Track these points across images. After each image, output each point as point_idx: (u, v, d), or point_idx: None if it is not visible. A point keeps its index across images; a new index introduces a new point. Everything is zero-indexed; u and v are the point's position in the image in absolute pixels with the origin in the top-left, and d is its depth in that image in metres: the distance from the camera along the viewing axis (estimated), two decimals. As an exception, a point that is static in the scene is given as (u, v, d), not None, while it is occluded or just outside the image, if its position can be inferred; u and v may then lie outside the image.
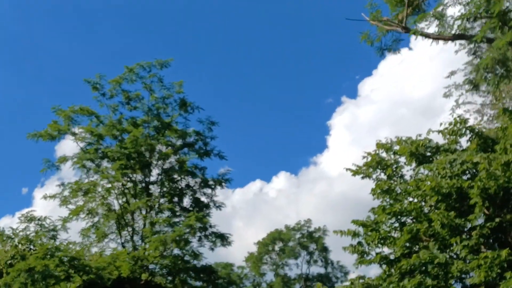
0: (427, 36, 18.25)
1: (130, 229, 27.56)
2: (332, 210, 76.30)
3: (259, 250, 67.16)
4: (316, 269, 66.50)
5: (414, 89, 77.93)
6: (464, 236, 16.29)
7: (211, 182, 29.78)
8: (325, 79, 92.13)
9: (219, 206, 29.78)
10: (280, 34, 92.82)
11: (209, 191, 29.98)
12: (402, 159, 20.12)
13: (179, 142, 30.11)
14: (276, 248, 67.26)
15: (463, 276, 16.57)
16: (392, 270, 20.06)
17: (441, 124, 19.11)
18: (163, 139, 28.93)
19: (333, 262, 66.07)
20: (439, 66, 76.58)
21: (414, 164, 19.71)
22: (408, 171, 20.00)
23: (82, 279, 22.34)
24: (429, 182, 17.13)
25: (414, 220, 17.83)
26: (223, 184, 29.86)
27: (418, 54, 78.35)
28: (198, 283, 26.77)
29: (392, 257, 19.95)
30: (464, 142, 19.13)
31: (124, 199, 28.08)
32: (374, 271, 20.47)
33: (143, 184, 28.78)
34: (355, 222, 19.58)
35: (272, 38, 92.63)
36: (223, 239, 27.86)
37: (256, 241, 66.28)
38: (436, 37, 18.10)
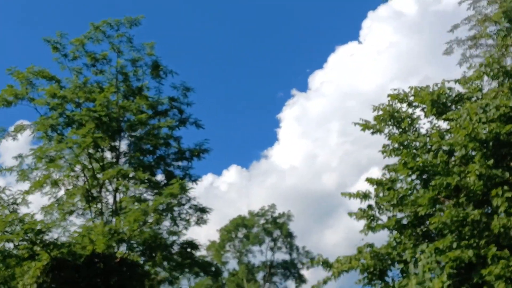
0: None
1: (99, 204, 24.63)
2: (283, 203, 76.39)
3: (222, 238, 64.74)
4: (281, 256, 64.64)
5: (364, 82, 78.99)
6: (506, 188, 14.27)
7: (187, 153, 27.10)
8: (275, 72, 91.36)
9: (195, 180, 27.15)
10: (231, 27, 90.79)
11: (184, 163, 27.33)
12: (417, 112, 18.06)
13: (150, 111, 27.26)
14: (240, 235, 65.01)
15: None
16: (402, 237, 18.10)
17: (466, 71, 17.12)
18: (134, 105, 26.00)
19: (298, 248, 64.33)
20: (387, 60, 77.68)
21: (432, 116, 17.68)
22: (424, 124, 17.95)
23: (50, 256, 19.38)
24: (457, 131, 15.04)
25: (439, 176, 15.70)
26: (201, 155, 27.21)
27: (367, 48, 79.25)
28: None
29: (404, 222, 18.01)
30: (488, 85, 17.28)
31: (90, 173, 25.09)
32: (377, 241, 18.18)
33: (114, 155, 25.84)
34: (369, 180, 17.44)
35: (223, 31, 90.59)
36: (203, 212, 25.27)
37: (219, 228, 63.82)
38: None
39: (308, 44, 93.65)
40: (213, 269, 26.46)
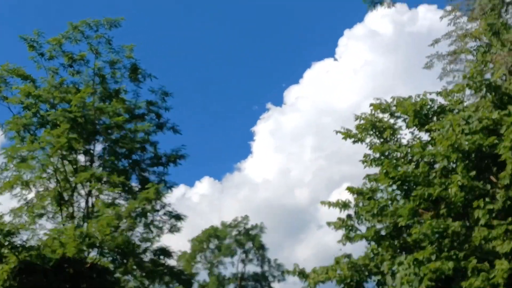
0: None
1: (70, 208, 23.99)
2: (255, 216, 76.16)
3: (193, 248, 63.94)
4: (252, 268, 64.06)
5: (339, 99, 79.81)
6: (487, 200, 14.16)
7: (163, 159, 26.63)
8: (251, 85, 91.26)
9: (171, 187, 26.64)
10: (210, 39, 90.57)
11: (160, 169, 26.84)
12: (399, 122, 17.96)
13: (127, 114, 26.74)
14: (211, 245, 64.33)
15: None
16: (380, 249, 17.92)
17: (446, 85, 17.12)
18: (110, 108, 25.46)
19: (270, 261, 63.85)
20: (362, 78, 78.73)
21: (413, 127, 17.58)
22: (406, 135, 17.85)
23: (18, 259, 18.71)
24: (440, 142, 14.93)
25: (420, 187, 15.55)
26: (178, 161, 26.75)
27: (343, 66, 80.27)
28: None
29: (383, 233, 17.83)
30: (468, 98, 17.27)
31: (63, 176, 24.44)
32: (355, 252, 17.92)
33: (87, 158, 25.25)
34: (349, 189, 17.22)
35: (202, 41, 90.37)
36: (178, 219, 24.78)
37: (191, 238, 63.09)
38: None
39: (284, 59, 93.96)
40: (186, 278, 25.90)
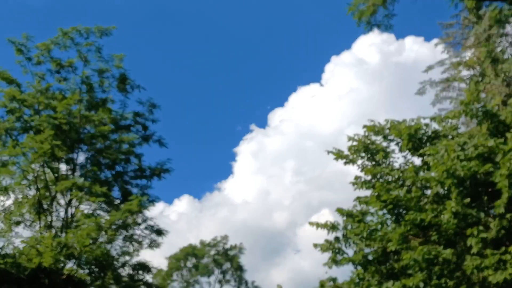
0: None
1: (49, 217, 23.29)
2: (233, 237, 75.46)
3: (170, 266, 62.91)
4: (229, 289, 63.19)
5: (322, 124, 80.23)
6: (481, 228, 13.86)
7: (147, 171, 26.07)
8: (236, 106, 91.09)
9: (153, 200, 26.04)
10: (198, 56, 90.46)
11: (143, 182, 26.27)
12: (392, 145, 17.70)
13: (113, 125, 26.17)
14: (189, 264, 63.37)
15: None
16: (366, 273, 17.52)
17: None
18: (96, 117, 24.92)
19: (247, 282, 63.03)
20: (347, 104, 79.34)
21: (406, 151, 17.32)
22: (399, 159, 17.57)
23: (-8, 266, 18.03)
24: (435, 167, 14.65)
25: (413, 211, 15.22)
26: (162, 174, 26.21)
27: (328, 91, 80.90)
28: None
29: (370, 257, 17.44)
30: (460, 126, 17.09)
31: (43, 184, 23.78)
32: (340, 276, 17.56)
33: (69, 167, 24.62)
34: (339, 210, 16.85)
35: (191, 59, 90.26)
36: (159, 234, 24.19)
37: (168, 255, 62.10)
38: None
39: (271, 82, 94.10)
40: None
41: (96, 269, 22.41)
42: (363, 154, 17.68)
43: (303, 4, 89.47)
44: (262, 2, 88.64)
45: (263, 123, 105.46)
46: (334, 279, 18.11)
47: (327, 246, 17.67)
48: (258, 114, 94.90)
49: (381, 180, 16.67)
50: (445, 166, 14.12)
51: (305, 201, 76.54)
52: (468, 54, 23.38)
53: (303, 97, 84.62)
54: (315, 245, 18.10)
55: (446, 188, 14.59)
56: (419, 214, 14.67)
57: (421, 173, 16.02)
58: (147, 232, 24.52)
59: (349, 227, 17.38)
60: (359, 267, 17.59)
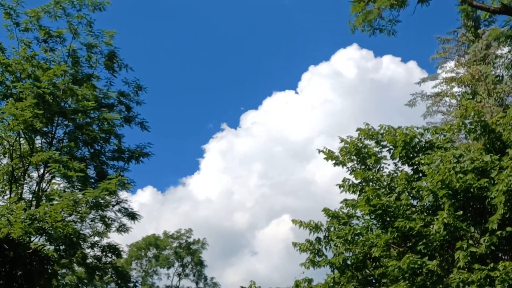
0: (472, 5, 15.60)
1: (20, 188, 22.50)
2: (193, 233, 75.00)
3: (130, 254, 61.96)
4: (187, 283, 62.54)
5: (293, 131, 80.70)
6: (471, 242, 13.72)
7: (126, 153, 25.41)
8: (210, 103, 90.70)
9: (130, 183, 25.32)
10: (181, 48, 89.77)
11: (120, 164, 25.60)
12: (384, 152, 17.51)
13: (96, 102, 25.40)
14: (149, 254, 62.54)
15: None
16: (341, 278, 17.29)
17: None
18: (80, 91, 24.17)
19: (206, 278, 62.48)
20: (319, 115, 79.94)
21: (397, 159, 17.15)
22: (389, 166, 17.38)
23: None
24: (431, 176, 14.47)
25: (402, 219, 15.02)
26: (141, 158, 25.58)
27: (303, 100, 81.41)
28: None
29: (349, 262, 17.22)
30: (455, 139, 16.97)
31: (17, 154, 22.96)
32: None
33: (45, 140, 23.82)
34: (326, 211, 16.59)
35: (173, 50, 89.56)
36: (133, 218, 23.58)
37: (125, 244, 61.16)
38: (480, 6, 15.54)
39: (247, 83, 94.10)
40: (133, 281, 24.64)
41: (63, 247, 21.78)
42: (353, 157, 17.44)
43: (288, 10, 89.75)
44: (250, 4, 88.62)
45: (234, 124, 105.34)
46: (310, 280, 17.81)
47: (307, 246, 17.39)
48: (231, 114, 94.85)
49: (371, 184, 16.42)
50: (441, 176, 13.94)
51: (268, 205, 76.68)
52: (461, 71, 23.46)
53: (277, 103, 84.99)
54: (295, 244, 17.82)
55: (439, 198, 14.38)
56: (408, 222, 14.46)
57: (413, 182, 15.82)
58: (119, 215, 23.93)
59: (332, 228, 17.14)
60: (336, 271, 17.35)
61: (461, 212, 13.92)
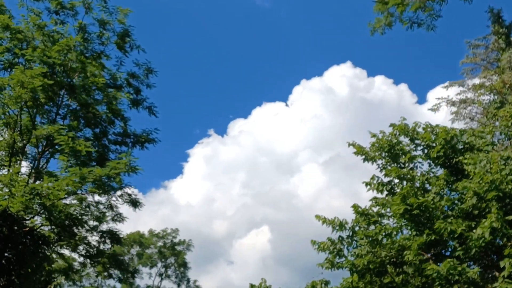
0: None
1: (18, 163, 21.09)
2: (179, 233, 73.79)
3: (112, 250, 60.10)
4: (169, 284, 60.98)
5: (279, 143, 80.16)
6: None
7: (131, 137, 24.10)
8: (198, 108, 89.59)
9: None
10: (177, 51, 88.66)
11: (123, 149, 24.25)
12: (417, 151, 16.46)
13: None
14: (133, 251, 60.90)
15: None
16: (360, 283, 16.18)
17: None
18: (90, 67, 22.83)
19: (189, 280, 60.98)
20: (307, 129, 79.46)
21: (427, 159, 16.11)
22: (423, 165, 16.33)
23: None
24: (479, 176, 13.42)
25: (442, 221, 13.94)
26: (145, 144, 24.28)
27: (292, 113, 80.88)
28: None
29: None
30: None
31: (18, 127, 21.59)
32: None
33: (51, 117, 22.48)
34: (355, 207, 15.47)
35: (170, 52, 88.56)
36: (135, 205, 22.26)
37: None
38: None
39: (238, 91, 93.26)
40: (132, 270, 23.28)
41: (59, 229, 20.40)
42: (384, 154, 16.37)
43: (285, 23, 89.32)
44: (249, 15, 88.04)
45: (222, 131, 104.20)
46: (327, 282, 16.63)
47: (328, 245, 16.20)
48: (219, 121, 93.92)
49: (404, 183, 15.35)
50: (492, 176, 12.90)
51: (248, 215, 75.72)
52: (492, 78, 22.63)
53: (267, 113, 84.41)
54: (313, 242, 16.62)
55: (483, 201, 13.34)
56: (449, 224, 13.38)
57: (453, 183, 14.77)
58: (120, 201, 22.59)
59: (356, 228, 16.00)
60: (355, 274, 16.21)
61: (511, 217, 12.87)
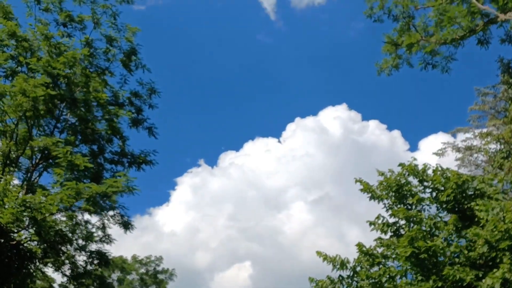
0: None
1: (10, 174, 20.42)
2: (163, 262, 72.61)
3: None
4: (148, 314, 59.44)
5: (269, 178, 79.73)
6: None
7: (128, 157, 23.53)
8: (190, 137, 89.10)
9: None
10: (174, 75, 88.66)
11: (119, 169, 23.65)
12: (425, 193, 15.99)
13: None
14: (114, 276, 59.51)
15: None
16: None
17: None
18: (94, 83, 22.38)
19: (168, 311, 59.52)
20: (298, 167, 79.28)
21: (435, 203, 15.64)
22: (431, 209, 15.83)
23: None
24: (492, 224, 12.96)
25: (450, 267, 13.40)
26: (142, 166, 23.69)
27: (284, 149, 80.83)
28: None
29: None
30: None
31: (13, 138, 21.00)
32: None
33: (50, 129, 21.95)
34: (359, 246, 14.90)
35: (167, 73, 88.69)
36: (126, 226, 21.58)
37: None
38: None
39: (231, 124, 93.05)
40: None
41: (46, 245, 19.65)
42: (391, 194, 15.90)
43: (285, 59, 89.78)
44: (250, 49, 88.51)
45: (212, 162, 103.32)
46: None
47: (327, 284, 15.58)
48: (210, 151, 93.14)
49: (411, 225, 14.84)
50: (506, 225, 12.44)
51: (232, 248, 74.68)
52: (492, 127, 22.47)
53: (259, 148, 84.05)
54: (311, 280, 15.99)
55: (496, 250, 12.84)
56: (459, 272, 12.85)
57: (462, 229, 14.28)
58: (112, 222, 21.93)
59: (358, 268, 15.41)
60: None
61: (524, 269, 12.37)
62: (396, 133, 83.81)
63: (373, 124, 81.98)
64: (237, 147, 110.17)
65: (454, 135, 24.03)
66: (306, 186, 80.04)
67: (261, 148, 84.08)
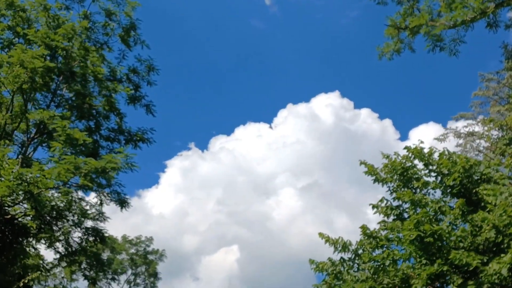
0: None
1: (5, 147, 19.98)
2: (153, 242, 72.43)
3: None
4: (138, 294, 59.22)
5: (259, 164, 79.59)
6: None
7: (125, 134, 23.14)
8: (181, 120, 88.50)
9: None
10: (170, 57, 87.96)
11: (116, 146, 23.26)
12: (430, 177, 15.75)
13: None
14: (104, 255, 59.16)
15: None
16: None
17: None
18: (91, 57, 21.87)
19: (159, 291, 59.32)
20: (288, 153, 79.11)
21: (439, 187, 15.41)
22: (436, 192, 15.60)
23: None
24: (502, 208, 12.75)
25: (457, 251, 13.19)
26: (139, 143, 23.32)
27: (275, 135, 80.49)
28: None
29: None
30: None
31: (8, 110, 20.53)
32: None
33: (46, 103, 21.51)
34: (363, 228, 14.65)
35: (164, 56, 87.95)
36: (122, 204, 21.24)
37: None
38: None
39: (223, 108, 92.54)
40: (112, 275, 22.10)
41: (41, 221, 19.28)
42: (396, 177, 15.65)
43: (279, 45, 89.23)
44: (243, 34, 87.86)
45: (203, 145, 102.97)
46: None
47: (328, 266, 15.34)
48: (201, 135, 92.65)
49: (417, 209, 14.61)
50: (513, 210, 12.23)
51: (220, 232, 74.51)
52: (496, 113, 22.28)
53: (250, 133, 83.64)
54: (312, 261, 15.74)
55: (503, 235, 12.63)
56: (465, 254, 12.64)
57: (469, 214, 14.04)
58: (108, 199, 21.57)
59: (360, 251, 15.18)
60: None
61: (531, 254, 12.16)
62: (388, 122, 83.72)
63: (365, 112, 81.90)
64: (228, 131, 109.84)
65: (457, 120, 23.94)
66: (295, 173, 79.96)
67: (252, 133, 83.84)
